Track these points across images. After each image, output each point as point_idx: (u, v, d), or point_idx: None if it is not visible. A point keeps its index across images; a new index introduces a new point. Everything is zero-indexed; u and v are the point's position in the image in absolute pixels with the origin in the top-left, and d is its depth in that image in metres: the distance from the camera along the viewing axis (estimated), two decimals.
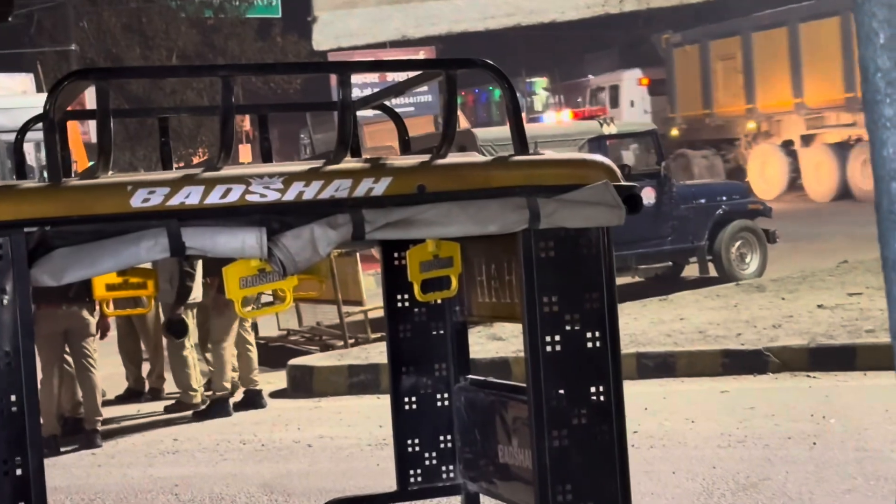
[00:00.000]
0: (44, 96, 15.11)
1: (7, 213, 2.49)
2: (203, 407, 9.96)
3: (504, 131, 15.51)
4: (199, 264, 9.59)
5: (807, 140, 27.53)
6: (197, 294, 9.80)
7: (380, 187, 2.77)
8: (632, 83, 34.34)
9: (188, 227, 2.60)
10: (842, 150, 26.44)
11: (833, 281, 13.24)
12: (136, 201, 2.58)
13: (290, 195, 2.69)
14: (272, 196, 2.67)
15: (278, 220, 2.69)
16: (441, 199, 2.80)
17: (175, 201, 2.60)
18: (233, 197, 2.64)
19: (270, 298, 9.88)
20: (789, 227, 18.76)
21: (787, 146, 28.15)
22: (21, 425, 2.47)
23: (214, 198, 2.63)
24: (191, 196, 2.61)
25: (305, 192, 2.70)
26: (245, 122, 33.77)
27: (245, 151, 36.37)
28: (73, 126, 15.66)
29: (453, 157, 2.94)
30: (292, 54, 34.43)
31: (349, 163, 2.83)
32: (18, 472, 2.47)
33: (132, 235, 2.57)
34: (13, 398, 2.47)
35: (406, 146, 3.55)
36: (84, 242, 2.56)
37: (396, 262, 3.64)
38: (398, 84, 3.40)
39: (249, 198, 2.65)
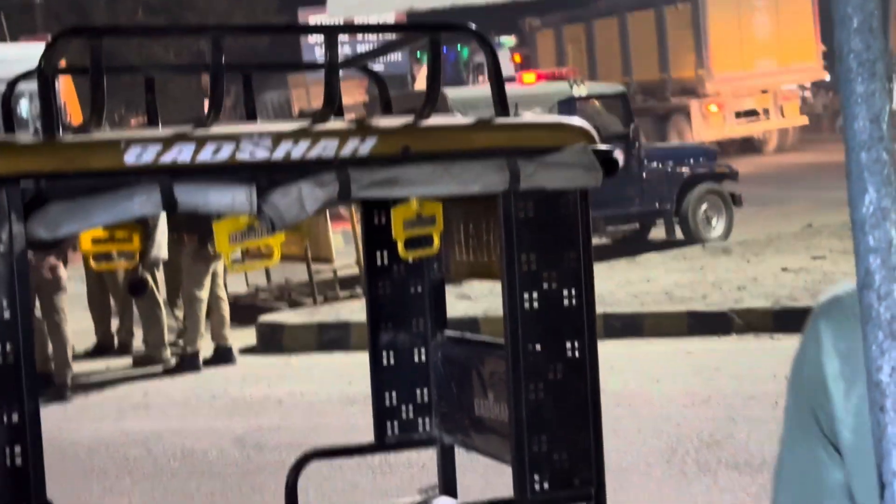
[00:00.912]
0: (31, 45, 15.03)
1: (4, 168, 2.56)
2: (172, 363, 10.01)
3: (475, 91, 15.51)
4: (162, 224, 9.55)
5: (638, 112, 31.06)
6: (161, 252, 9.79)
7: (365, 147, 2.84)
8: (505, 59, 37.34)
9: (180, 183, 2.67)
10: (662, 121, 30.22)
11: (798, 244, 13.41)
12: (130, 158, 2.64)
13: (278, 154, 2.76)
14: (261, 154, 2.74)
15: (267, 178, 2.76)
16: (425, 160, 2.88)
17: (167, 158, 2.66)
18: (223, 155, 2.71)
19: (239, 255, 9.91)
20: (755, 190, 18.94)
21: None
22: (17, 374, 2.55)
23: (205, 155, 2.69)
24: (183, 153, 2.68)
25: (293, 151, 2.77)
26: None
27: None
28: (67, 80, 15.58)
29: (437, 119, 3.01)
30: (261, 9, 34.25)
31: (335, 123, 2.90)
32: (15, 418, 2.56)
33: (126, 191, 2.64)
34: (9, 347, 2.55)
35: (388, 107, 3.61)
36: (78, 197, 2.63)
37: (377, 221, 3.71)
38: (380, 47, 3.46)
39: (239, 156, 2.72)
